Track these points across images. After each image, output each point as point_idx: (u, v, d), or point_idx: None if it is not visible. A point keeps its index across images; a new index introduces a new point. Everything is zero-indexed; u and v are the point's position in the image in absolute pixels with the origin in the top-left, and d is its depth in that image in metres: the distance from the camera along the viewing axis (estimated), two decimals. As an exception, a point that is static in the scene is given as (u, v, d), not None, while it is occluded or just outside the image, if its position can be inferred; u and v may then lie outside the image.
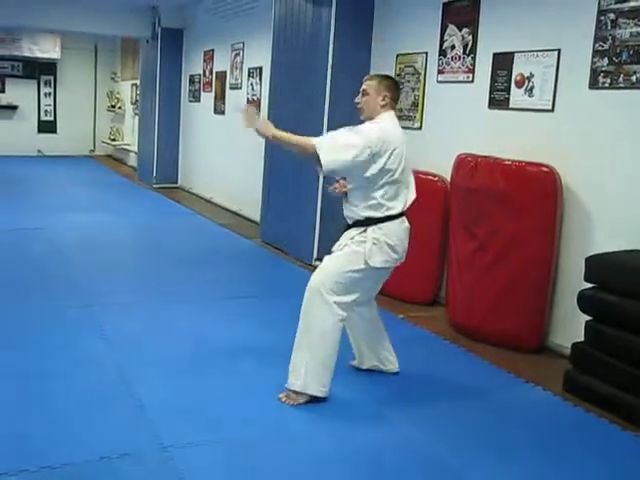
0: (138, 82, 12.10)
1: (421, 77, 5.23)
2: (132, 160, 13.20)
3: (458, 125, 4.86)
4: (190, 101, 10.60)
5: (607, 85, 3.78)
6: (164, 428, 2.85)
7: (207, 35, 9.76)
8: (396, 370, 3.58)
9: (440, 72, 5.05)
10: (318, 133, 3.78)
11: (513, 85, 4.40)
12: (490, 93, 4.58)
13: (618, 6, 3.71)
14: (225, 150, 9.06)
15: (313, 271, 3.26)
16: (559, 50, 4.08)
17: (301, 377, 3.12)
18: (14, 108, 14.39)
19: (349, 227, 3.22)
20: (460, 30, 4.84)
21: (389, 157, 3.05)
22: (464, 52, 4.81)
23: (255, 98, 8.03)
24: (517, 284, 4.02)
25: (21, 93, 14.39)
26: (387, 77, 3.34)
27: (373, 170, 3.04)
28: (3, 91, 14.28)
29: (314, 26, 5.90)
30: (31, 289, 4.84)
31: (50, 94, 14.84)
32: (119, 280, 5.26)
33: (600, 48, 3.81)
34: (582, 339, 3.47)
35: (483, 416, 3.20)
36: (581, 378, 3.43)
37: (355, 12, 5.72)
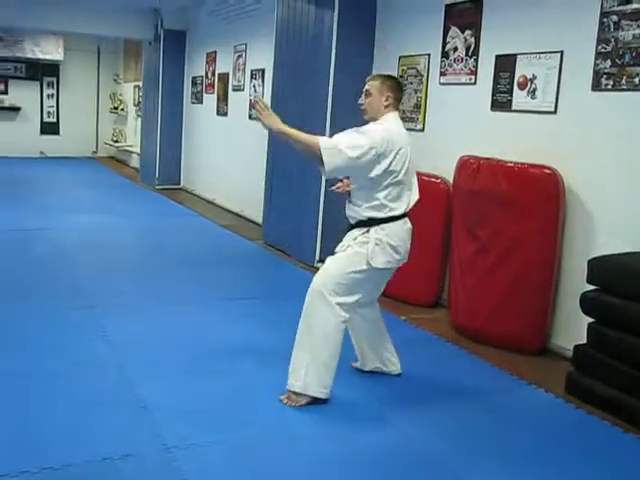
0: (141, 84, 12.11)
1: (423, 79, 5.23)
2: (135, 161, 13.21)
3: (461, 127, 4.86)
4: (193, 103, 10.61)
5: (610, 87, 3.78)
6: (166, 429, 2.85)
7: (209, 37, 9.77)
8: (398, 372, 3.58)
9: (442, 74, 5.05)
10: (321, 135, 3.77)
11: (515, 87, 4.39)
12: (492, 95, 4.58)
13: (621, 8, 3.71)
14: (227, 152, 9.06)
15: (315, 273, 3.26)
16: (562, 52, 4.07)
17: (301, 378, 3.11)
18: (17, 109, 14.39)
19: (352, 228, 3.22)
20: (462, 32, 4.84)
21: (394, 158, 3.05)
22: (466, 54, 4.81)
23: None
24: (519, 286, 4.02)
25: (24, 94, 14.39)
26: (390, 77, 3.33)
27: (377, 171, 3.04)
28: (6, 92, 14.28)
29: (317, 28, 5.90)
30: (33, 290, 4.84)
31: (53, 95, 14.85)
32: (121, 281, 5.26)
33: (603, 50, 3.81)
34: (584, 341, 3.46)
35: (485, 418, 3.19)
36: (583, 380, 3.42)
37: (357, 13, 5.71)
